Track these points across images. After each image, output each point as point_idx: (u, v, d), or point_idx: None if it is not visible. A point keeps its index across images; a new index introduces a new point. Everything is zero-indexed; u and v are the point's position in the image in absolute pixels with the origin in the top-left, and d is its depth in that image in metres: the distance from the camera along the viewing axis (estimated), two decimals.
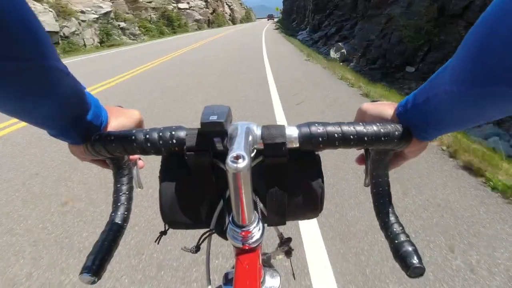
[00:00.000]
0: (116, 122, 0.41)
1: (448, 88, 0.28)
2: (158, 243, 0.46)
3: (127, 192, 0.42)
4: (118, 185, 0.42)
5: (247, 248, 0.36)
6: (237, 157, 0.29)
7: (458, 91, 0.27)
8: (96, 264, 0.35)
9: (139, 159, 0.48)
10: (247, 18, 68.71)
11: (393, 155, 0.41)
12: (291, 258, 0.59)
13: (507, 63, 0.22)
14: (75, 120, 0.35)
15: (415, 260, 0.34)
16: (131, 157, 0.45)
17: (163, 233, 0.45)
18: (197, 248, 0.44)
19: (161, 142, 0.36)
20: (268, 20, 76.84)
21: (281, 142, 0.35)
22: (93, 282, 0.34)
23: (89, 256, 0.35)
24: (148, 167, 0.59)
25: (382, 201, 0.40)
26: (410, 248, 0.35)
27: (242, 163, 0.29)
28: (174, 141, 0.36)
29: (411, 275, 0.34)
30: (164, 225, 0.44)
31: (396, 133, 0.35)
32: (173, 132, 0.36)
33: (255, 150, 0.37)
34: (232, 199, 0.33)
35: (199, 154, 0.36)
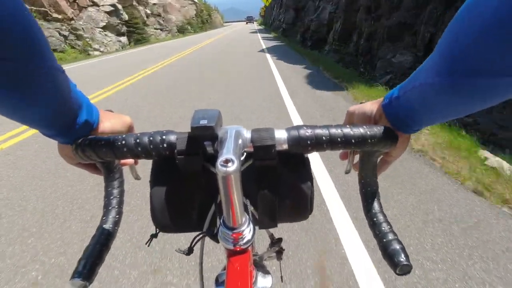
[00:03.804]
0: (109, 123, 0.42)
1: (429, 80, 0.31)
2: (148, 245, 0.48)
3: (118, 196, 0.43)
4: (109, 189, 0.43)
5: (238, 249, 0.37)
6: (227, 161, 0.30)
7: (438, 83, 0.30)
8: (87, 268, 0.35)
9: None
10: (202, 24, 35.56)
11: (379, 156, 0.42)
12: (281, 261, 0.63)
13: (480, 57, 0.25)
14: (69, 120, 0.36)
15: (402, 258, 0.35)
16: (122, 161, 0.46)
17: (154, 236, 0.47)
18: (190, 250, 0.46)
19: (151, 146, 0.37)
20: (247, 23, 64.35)
21: (270, 144, 0.37)
22: (85, 287, 0.34)
23: (80, 260, 0.36)
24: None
25: (371, 201, 0.41)
26: (397, 247, 0.36)
27: (232, 167, 0.30)
28: (165, 145, 0.37)
29: (399, 272, 0.35)
30: (156, 228, 0.46)
31: (383, 134, 0.37)
32: (164, 136, 0.37)
33: (245, 153, 0.38)
34: (222, 202, 0.34)
35: (190, 158, 0.37)
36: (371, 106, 0.41)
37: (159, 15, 23.05)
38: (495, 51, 0.23)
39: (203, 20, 38.49)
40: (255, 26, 44.31)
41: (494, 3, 0.22)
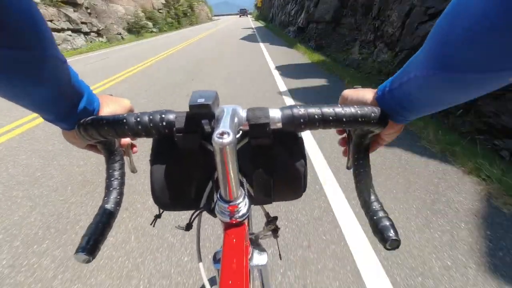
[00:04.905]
0: (108, 109, 0.43)
1: (418, 74, 0.32)
2: (153, 226, 0.51)
3: (119, 178, 0.44)
4: (110, 171, 0.44)
5: (234, 222, 0.39)
6: (222, 133, 0.32)
7: (427, 77, 0.31)
8: (90, 244, 0.36)
9: (134, 146, 0.52)
10: (176, 18, 23.97)
11: (371, 138, 0.44)
12: (278, 239, 0.64)
13: (466, 53, 0.25)
14: (69, 107, 0.37)
15: (391, 233, 0.36)
16: (122, 142, 0.48)
17: (158, 216, 0.50)
18: (189, 226, 0.48)
19: (151, 124, 0.38)
20: (240, 16, 60.77)
21: (265, 122, 0.38)
22: (88, 261, 0.36)
23: (83, 237, 0.37)
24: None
25: (363, 182, 0.42)
26: (387, 223, 0.37)
27: (227, 138, 0.31)
28: (164, 123, 0.38)
29: (388, 247, 0.36)
30: (159, 208, 0.48)
31: (373, 114, 0.38)
32: (163, 115, 0.38)
33: (241, 131, 0.40)
34: (219, 174, 0.35)
35: (188, 135, 0.38)
36: (366, 93, 0.42)
37: (73, 3, 12.48)
38: (485, 49, 0.24)
39: (178, 14, 27.79)
40: (250, 22, 33.47)
41: (481, 3, 0.23)
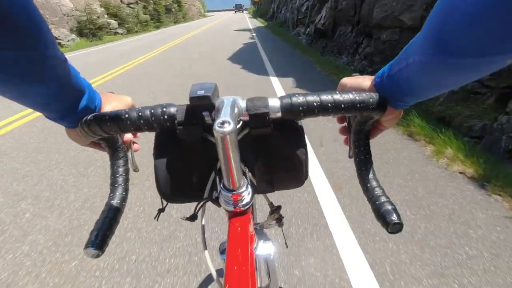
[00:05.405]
0: (110, 106, 0.43)
1: (417, 58, 0.32)
2: (157, 220, 0.50)
3: (123, 174, 0.44)
4: (115, 167, 0.44)
5: (238, 211, 0.39)
6: (223, 122, 0.32)
7: (425, 62, 0.31)
8: (99, 239, 0.37)
9: (134, 143, 0.51)
10: (156, 15, 19.11)
11: (371, 125, 0.44)
12: (283, 227, 0.64)
13: (465, 36, 0.25)
14: (71, 105, 0.37)
15: (394, 217, 0.36)
16: (125, 138, 0.48)
17: (161, 210, 0.50)
18: (194, 217, 0.49)
19: (153, 118, 0.38)
20: (235, 12, 58.79)
21: (264, 112, 0.38)
22: (97, 256, 0.36)
23: (92, 232, 0.37)
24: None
25: (365, 168, 0.43)
26: (390, 207, 0.38)
27: (228, 127, 0.32)
28: (166, 116, 0.38)
29: (391, 230, 0.36)
30: (162, 202, 0.49)
31: (371, 100, 0.38)
32: (164, 109, 0.39)
33: (241, 122, 0.40)
34: (221, 164, 0.36)
35: (189, 128, 0.38)
36: (364, 81, 0.42)
37: None
38: (484, 31, 0.24)
39: (158, 10, 22.82)
40: (247, 20, 28.45)
41: None
